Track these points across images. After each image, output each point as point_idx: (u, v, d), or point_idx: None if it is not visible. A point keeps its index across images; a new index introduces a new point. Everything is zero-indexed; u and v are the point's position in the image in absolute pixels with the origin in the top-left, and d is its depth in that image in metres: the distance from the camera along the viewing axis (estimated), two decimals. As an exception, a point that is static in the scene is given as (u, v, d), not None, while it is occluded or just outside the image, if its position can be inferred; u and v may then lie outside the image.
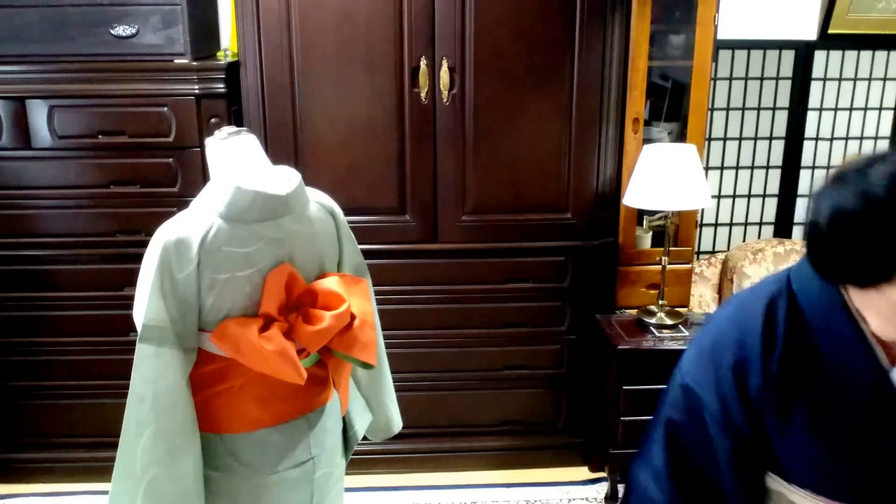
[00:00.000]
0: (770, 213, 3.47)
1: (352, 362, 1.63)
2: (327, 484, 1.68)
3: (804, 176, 3.42)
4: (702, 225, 3.41)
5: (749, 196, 3.43)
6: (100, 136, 2.49)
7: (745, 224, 3.47)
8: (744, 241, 3.45)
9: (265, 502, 1.59)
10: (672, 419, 1.18)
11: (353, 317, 1.58)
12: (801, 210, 3.46)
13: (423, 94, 2.53)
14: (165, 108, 2.47)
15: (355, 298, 1.60)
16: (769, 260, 3.19)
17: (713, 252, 3.46)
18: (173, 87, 2.45)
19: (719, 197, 3.39)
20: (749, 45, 3.22)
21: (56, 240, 2.58)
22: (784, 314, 1.11)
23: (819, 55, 3.27)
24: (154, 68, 2.45)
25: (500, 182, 2.64)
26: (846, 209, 0.98)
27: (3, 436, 2.77)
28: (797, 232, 3.49)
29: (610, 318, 2.73)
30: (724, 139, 3.34)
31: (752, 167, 3.39)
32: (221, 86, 2.47)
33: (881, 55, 3.30)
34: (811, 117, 3.35)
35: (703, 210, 3.32)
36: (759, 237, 3.48)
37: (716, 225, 3.46)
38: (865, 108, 3.37)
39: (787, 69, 3.28)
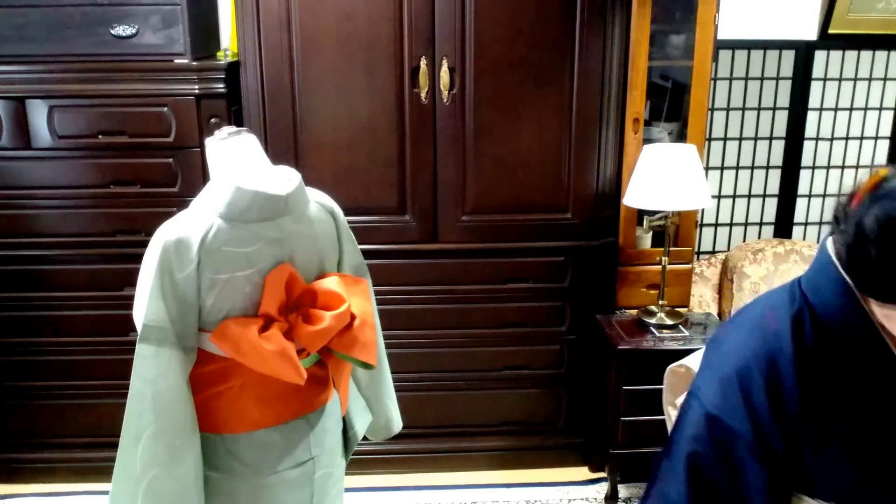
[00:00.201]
0: (770, 214, 3.46)
1: (352, 362, 1.63)
2: (327, 484, 1.68)
3: (804, 176, 3.42)
4: (702, 225, 3.41)
5: (749, 196, 3.43)
6: (100, 136, 2.49)
7: (746, 224, 3.47)
8: (744, 241, 3.45)
9: (265, 502, 1.59)
10: (695, 452, 1.13)
11: (353, 317, 1.58)
12: (801, 210, 3.46)
13: (423, 94, 2.53)
14: (165, 108, 2.47)
15: (355, 298, 1.60)
16: (769, 260, 3.19)
17: (713, 252, 3.46)
18: (173, 87, 2.45)
19: (719, 197, 3.39)
20: (749, 45, 3.21)
21: (56, 240, 2.58)
22: (810, 330, 1.10)
23: (819, 55, 3.27)
24: (154, 68, 2.45)
25: (500, 182, 2.63)
26: None
27: (3, 436, 2.77)
28: (797, 232, 3.49)
29: (610, 319, 2.74)
30: (725, 139, 3.34)
31: (753, 167, 3.39)
32: (221, 86, 2.47)
33: (881, 55, 3.30)
34: (811, 117, 3.35)
35: (703, 210, 3.31)
36: (759, 237, 3.47)
37: (716, 225, 3.45)
38: (865, 108, 3.37)
39: (788, 69, 3.28)
